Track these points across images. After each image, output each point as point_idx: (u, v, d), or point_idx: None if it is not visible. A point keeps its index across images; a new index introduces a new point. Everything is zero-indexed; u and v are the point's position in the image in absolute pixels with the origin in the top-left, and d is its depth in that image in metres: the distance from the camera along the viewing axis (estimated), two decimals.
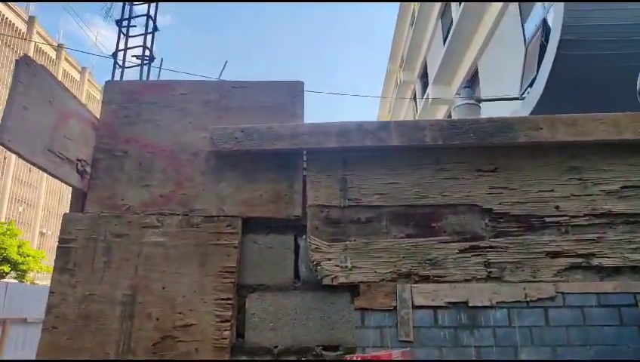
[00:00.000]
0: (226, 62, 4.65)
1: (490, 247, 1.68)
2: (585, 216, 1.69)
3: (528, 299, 6.08)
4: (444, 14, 11.45)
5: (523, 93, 5.56)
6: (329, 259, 1.66)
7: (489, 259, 1.67)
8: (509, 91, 6.38)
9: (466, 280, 1.68)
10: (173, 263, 1.60)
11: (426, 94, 12.32)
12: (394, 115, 17.66)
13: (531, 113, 4.86)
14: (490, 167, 1.76)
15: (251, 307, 1.61)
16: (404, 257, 1.70)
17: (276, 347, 1.58)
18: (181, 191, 1.70)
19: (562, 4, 4.51)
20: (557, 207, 1.70)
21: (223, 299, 1.55)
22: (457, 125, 1.76)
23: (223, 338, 1.52)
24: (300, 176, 1.78)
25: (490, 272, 1.66)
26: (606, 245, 1.66)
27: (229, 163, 1.74)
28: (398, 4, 14.83)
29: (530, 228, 1.70)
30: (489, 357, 5.85)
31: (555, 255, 1.66)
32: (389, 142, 1.76)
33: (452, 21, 9.81)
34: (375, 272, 1.67)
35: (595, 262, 1.65)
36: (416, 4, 13.15)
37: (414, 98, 15.24)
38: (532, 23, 6.84)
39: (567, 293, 5.75)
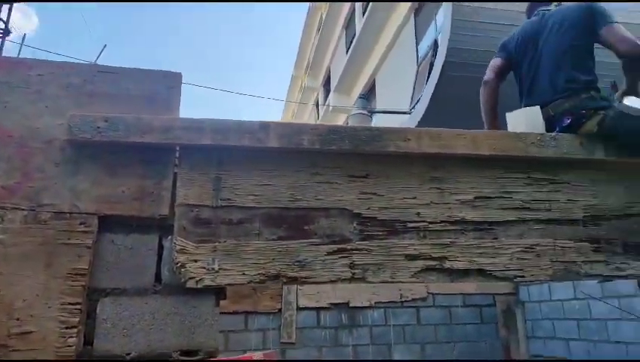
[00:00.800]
0: (105, 45, 4.32)
1: (356, 250, 1.74)
2: (441, 222, 1.82)
3: (403, 299, 6.48)
4: (349, 25, 11.86)
5: (412, 108, 5.94)
6: (195, 261, 1.60)
7: (354, 261, 1.73)
8: (402, 106, 6.75)
9: (332, 281, 1.72)
10: (12, 263, 1.43)
11: (327, 101, 12.63)
12: (297, 120, 17.87)
13: (416, 126, 5.20)
14: (362, 173, 1.83)
15: (103, 312, 1.50)
16: (274, 259, 1.69)
17: (129, 354, 1.48)
18: (28, 183, 1.53)
19: (449, 28, 4.90)
20: (418, 213, 1.82)
21: (70, 304, 1.42)
22: (335, 131, 1.80)
23: (68, 346, 1.39)
24: (171, 173, 1.70)
25: (355, 273, 1.72)
26: (457, 249, 1.80)
27: (88, 154, 1.61)
28: (307, 5, 15.04)
29: (393, 232, 1.79)
30: (365, 355, 6.08)
31: (413, 257, 1.77)
32: (267, 143, 1.75)
33: (355, 33, 10.18)
34: (243, 274, 1.64)
35: (447, 264, 1.78)
36: (324, 11, 13.44)
37: (317, 105, 15.56)
38: (425, 43, 7.34)
39: (437, 294, 6.25)
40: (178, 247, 1.60)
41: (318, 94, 15.57)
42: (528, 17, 2.43)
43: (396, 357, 5.74)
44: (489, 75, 2.27)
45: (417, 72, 7.01)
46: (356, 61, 9.76)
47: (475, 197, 1.88)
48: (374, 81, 9.39)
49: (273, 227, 1.73)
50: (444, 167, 1.88)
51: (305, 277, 1.72)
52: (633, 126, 1.88)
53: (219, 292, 1.63)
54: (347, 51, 10.65)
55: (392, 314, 5.86)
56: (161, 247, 1.65)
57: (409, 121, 5.54)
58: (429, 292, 6.02)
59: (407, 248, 1.79)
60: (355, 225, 1.77)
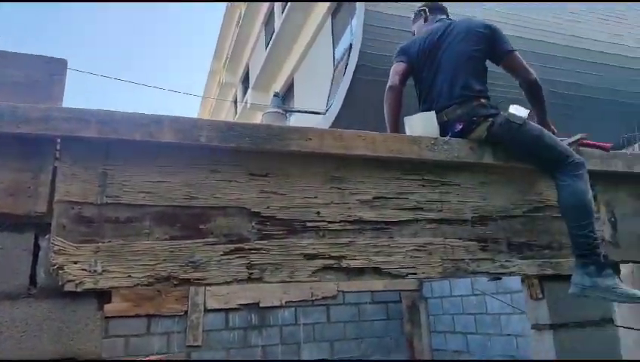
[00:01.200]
0: None
1: (254, 249, 1.71)
2: (340, 221, 1.85)
3: (314, 298, 6.52)
4: (269, 22, 11.77)
5: (327, 109, 6.02)
6: (75, 263, 1.48)
7: (252, 261, 1.70)
8: (320, 106, 6.81)
9: (227, 282, 1.67)
10: None
11: (245, 99, 12.45)
12: (214, 116, 17.43)
13: (330, 127, 5.29)
14: (262, 172, 1.80)
15: None
16: (165, 260, 1.61)
17: None
18: None
19: (361, 32, 5.03)
20: (318, 213, 1.83)
21: None
22: (235, 128, 1.76)
23: None
24: (50, 167, 1.55)
25: (252, 274, 1.69)
26: (355, 248, 1.84)
27: None
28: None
29: (292, 232, 1.78)
30: (274, 355, 6.04)
31: (312, 257, 1.77)
32: (161, 138, 1.66)
33: (274, 30, 10.12)
34: (129, 277, 1.54)
35: (344, 263, 1.80)
36: (244, 7, 13.22)
37: (235, 101, 15.28)
38: (342, 46, 7.48)
39: (347, 292, 6.36)
40: (56, 248, 1.47)
41: (236, 91, 15.30)
42: (415, 23, 2.55)
43: (305, 354, 5.78)
44: (394, 80, 2.31)
45: (334, 73, 7.12)
46: (275, 58, 9.71)
47: (374, 198, 1.92)
48: (293, 80, 9.41)
49: (166, 226, 1.64)
50: (345, 168, 1.91)
51: (198, 279, 1.65)
52: (516, 132, 2.04)
53: (101, 295, 1.52)
54: (266, 48, 10.58)
55: (302, 313, 5.89)
56: (37, 247, 1.50)
57: (323, 122, 5.62)
58: (338, 290, 6.14)
59: (306, 247, 1.79)
60: (253, 224, 1.74)
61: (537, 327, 2.15)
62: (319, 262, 1.80)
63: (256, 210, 1.75)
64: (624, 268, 3.63)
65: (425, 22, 2.48)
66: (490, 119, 2.08)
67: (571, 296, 1.90)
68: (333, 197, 1.87)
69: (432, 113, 2.13)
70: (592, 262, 1.87)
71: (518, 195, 2.13)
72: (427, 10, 2.48)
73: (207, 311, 5.45)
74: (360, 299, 6.31)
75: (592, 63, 5.88)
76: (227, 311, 5.59)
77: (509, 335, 5.34)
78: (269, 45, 9.95)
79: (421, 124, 2.10)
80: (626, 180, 2.33)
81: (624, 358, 2.30)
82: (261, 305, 5.76)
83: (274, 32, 10.04)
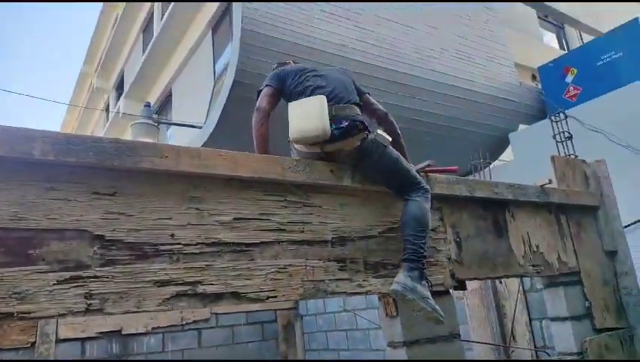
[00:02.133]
0: None
1: (95, 277, 1.54)
2: (197, 244, 1.76)
3: (184, 322, 6.18)
4: (148, 27, 11.17)
5: (203, 124, 5.84)
6: None
7: (91, 290, 1.53)
8: (199, 120, 6.57)
9: (61, 315, 1.48)
10: None
11: (117, 107, 11.60)
12: (82, 123, 15.96)
13: (205, 143, 5.13)
14: (109, 191, 1.65)
15: None
16: None
17: None
18: None
19: (238, 50, 4.99)
20: (172, 235, 1.71)
21: None
22: (75, 141, 1.58)
23: None
24: None
25: (90, 304, 1.52)
26: (213, 272, 1.76)
27: None
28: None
29: (142, 257, 1.64)
30: None
31: (163, 283, 1.65)
32: None
33: (153, 36, 9.62)
34: None
35: (200, 289, 1.71)
36: (121, 9, 12.39)
37: (107, 109, 14.16)
38: (222, 61, 7.35)
39: (221, 314, 6.14)
40: None
41: (109, 98, 14.18)
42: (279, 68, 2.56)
43: None
44: (263, 102, 2.32)
45: (214, 87, 6.97)
46: (152, 66, 9.19)
47: (234, 218, 1.87)
48: (171, 90, 9.00)
49: None
50: (205, 187, 1.83)
51: (24, 312, 1.44)
52: (382, 152, 2.15)
53: None
54: (143, 54, 10.00)
55: (170, 339, 5.54)
56: None
57: (199, 137, 5.43)
58: (212, 313, 5.91)
59: (157, 273, 1.66)
60: (95, 248, 1.57)
61: (392, 345, 2.25)
62: (171, 289, 1.68)
63: (99, 233, 1.59)
64: (473, 284, 4.03)
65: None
66: (366, 132, 2.17)
67: (392, 292, 2.02)
68: (191, 218, 1.77)
69: (323, 97, 2.12)
70: (417, 269, 2.05)
71: (374, 217, 2.23)
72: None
73: (59, 341, 4.85)
74: (234, 321, 6.13)
75: (450, 96, 6.56)
76: (84, 340, 5.04)
77: (377, 350, 5.58)
78: (146, 51, 9.41)
79: (308, 108, 2.10)
80: (469, 204, 2.58)
81: None
82: (123, 332, 5.29)
83: (152, 38, 9.55)
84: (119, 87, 13.47)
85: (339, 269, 2.07)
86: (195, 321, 5.71)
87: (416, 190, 2.19)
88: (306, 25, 5.37)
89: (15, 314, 1.42)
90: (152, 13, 10.50)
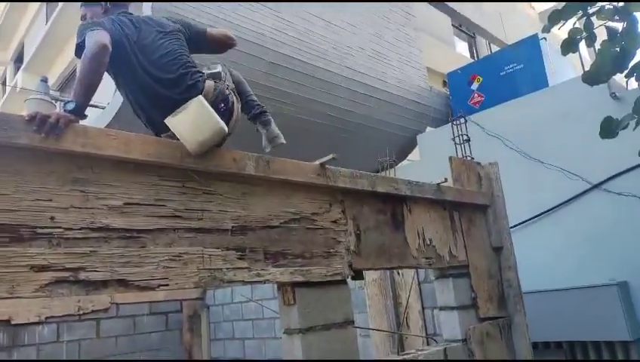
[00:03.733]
0: None
1: None
2: (81, 229, 1.65)
3: (81, 312, 5.80)
4: None
5: (108, 103, 5.49)
6: None
7: None
8: (106, 99, 6.13)
9: None
10: None
11: (14, 81, 10.54)
12: None
13: (109, 124, 4.83)
14: None
15: None
16: None
17: None
18: None
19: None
20: (52, 218, 1.59)
21: None
22: None
23: None
24: None
25: None
26: (98, 259, 1.66)
27: None
28: None
29: (17, 239, 1.51)
30: None
31: (41, 268, 1.53)
32: None
33: (58, 5, 8.84)
34: None
35: (82, 275, 1.61)
36: None
37: (4, 83, 12.81)
38: None
39: (122, 304, 5.84)
40: None
41: (6, 70, 12.84)
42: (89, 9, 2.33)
43: None
44: (107, 40, 1.89)
45: None
46: (56, 38, 8.46)
47: (125, 203, 1.78)
48: (76, 67, 8.34)
49: None
50: (92, 169, 1.72)
51: None
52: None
53: None
54: (46, 24, 9.15)
55: (66, 329, 5.18)
56: None
57: (103, 118, 5.10)
58: (112, 303, 5.59)
59: (35, 258, 1.54)
60: None
61: (288, 332, 2.28)
62: (50, 275, 1.57)
63: None
64: (373, 274, 4.20)
65: (104, 12, 2.30)
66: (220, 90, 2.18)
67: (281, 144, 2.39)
68: (74, 200, 1.66)
69: (201, 99, 1.99)
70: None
71: (276, 207, 2.23)
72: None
73: None
74: (136, 311, 5.86)
75: (364, 95, 6.75)
76: None
77: (280, 338, 5.63)
78: (49, 22, 8.63)
79: (193, 119, 1.93)
80: (370, 198, 2.68)
81: (366, 350, 2.62)
82: (13, 322, 4.84)
83: (56, 9, 8.78)
84: (18, 59, 12.25)
85: (238, 258, 2.05)
86: (93, 311, 5.36)
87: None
88: (224, 10, 5.24)
89: None
90: None
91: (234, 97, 2.24)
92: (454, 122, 4.99)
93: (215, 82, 2.16)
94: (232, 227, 2.07)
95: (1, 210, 1.50)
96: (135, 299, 5.72)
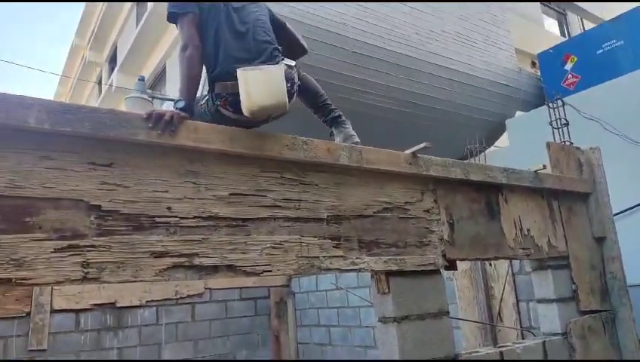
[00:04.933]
0: None
1: (92, 246, 1.56)
2: (194, 218, 1.77)
3: (178, 297, 6.26)
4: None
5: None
6: None
7: (88, 259, 1.54)
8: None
9: (58, 282, 1.49)
10: None
11: (110, 80, 11.45)
12: (74, 97, 15.77)
13: None
14: (105, 162, 1.65)
15: None
16: None
17: None
18: None
19: None
20: (169, 208, 1.72)
21: None
22: (72, 111, 1.57)
23: None
24: None
25: (88, 273, 1.53)
26: (209, 246, 1.77)
27: None
28: None
29: (139, 228, 1.66)
30: (132, 357, 5.65)
31: (160, 255, 1.67)
32: None
33: (147, 9, 9.45)
34: None
35: (196, 261, 1.73)
36: None
37: (100, 82, 13.98)
38: None
39: (215, 289, 6.22)
40: None
41: (101, 71, 14.00)
42: None
43: (166, 355, 5.51)
44: (196, 39, 2.02)
45: None
46: (145, 40, 9.07)
47: (231, 194, 1.88)
48: (165, 65, 8.90)
49: None
50: (201, 162, 1.84)
51: (22, 279, 1.45)
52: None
53: None
54: (137, 27, 9.83)
55: (164, 312, 5.61)
56: None
57: None
58: (206, 288, 5.97)
59: (154, 245, 1.68)
60: (92, 218, 1.58)
61: (383, 320, 2.29)
62: (168, 260, 1.70)
63: (96, 203, 1.59)
64: (463, 265, 4.09)
65: None
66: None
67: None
68: (187, 192, 1.78)
69: (282, 67, 2.01)
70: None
71: (369, 196, 2.25)
72: None
73: (54, 311, 4.90)
74: (228, 296, 6.20)
75: (448, 80, 6.53)
76: (78, 311, 5.09)
77: (367, 326, 5.67)
78: (140, 25, 9.26)
79: (264, 80, 1.93)
80: (463, 186, 2.61)
81: (456, 342, 2.57)
82: (118, 304, 5.34)
83: (146, 10, 9.38)
84: (112, 60, 13.29)
85: (333, 246, 2.10)
86: (189, 296, 5.76)
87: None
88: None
89: (13, 280, 1.43)
90: None
91: (296, 89, 2.28)
92: (550, 105, 4.67)
93: (288, 67, 2.19)
94: (327, 216, 2.11)
95: (124, 201, 1.65)
96: (226, 285, 6.06)
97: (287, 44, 2.46)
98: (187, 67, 1.99)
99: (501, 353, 2.51)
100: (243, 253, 1.85)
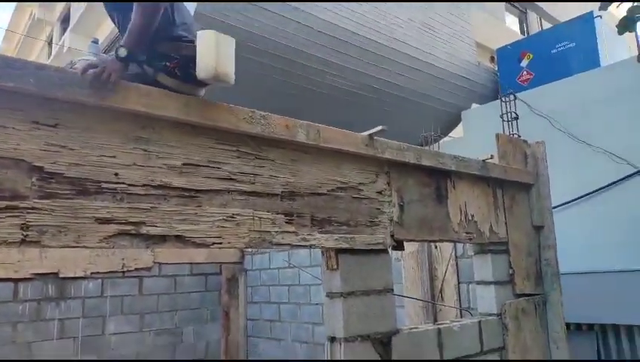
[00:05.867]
0: None
1: (33, 208, 1.50)
2: (143, 186, 1.73)
3: (125, 269, 6.10)
4: None
5: None
6: None
7: (28, 222, 1.48)
8: None
9: None
10: None
11: (62, 40, 10.84)
12: (20, 54, 14.82)
13: None
14: (51, 122, 1.58)
15: None
16: None
17: None
18: None
19: None
20: (116, 174, 1.68)
21: None
22: (16, 65, 1.49)
23: None
24: None
25: (27, 235, 1.48)
26: (158, 215, 1.74)
27: None
28: None
29: (83, 192, 1.61)
30: (74, 328, 5.50)
31: (105, 221, 1.63)
32: None
33: None
34: None
35: (143, 230, 1.70)
36: None
37: (50, 42, 13.20)
38: None
39: (165, 264, 6.11)
40: None
41: (52, 30, 13.20)
42: None
43: (111, 328, 5.41)
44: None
45: None
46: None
47: (184, 164, 1.85)
48: None
49: None
50: (153, 128, 1.79)
51: None
52: None
53: None
54: None
55: (110, 285, 5.48)
56: None
57: None
58: (155, 262, 5.86)
59: (99, 211, 1.63)
60: (34, 180, 1.52)
61: (330, 295, 2.35)
62: (114, 227, 1.66)
63: (38, 164, 1.53)
64: (411, 247, 4.23)
65: None
66: None
67: None
68: (137, 158, 1.74)
69: (232, 39, 1.88)
70: None
71: (324, 175, 2.27)
72: None
73: None
74: (178, 271, 6.13)
75: (411, 68, 6.63)
76: (17, 281, 4.89)
77: (316, 304, 5.78)
78: None
79: (228, 47, 1.83)
80: (415, 171, 2.68)
81: (399, 320, 2.68)
82: (61, 275, 5.16)
83: None
84: (65, 20, 12.55)
85: (286, 222, 2.11)
86: (136, 269, 5.65)
87: None
88: None
89: None
90: None
91: None
92: (503, 99, 4.85)
93: None
94: (282, 192, 2.12)
95: (69, 163, 1.59)
96: (176, 260, 5.98)
97: None
98: (147, 16, 1.81)
99: (439, 329, 2.64)
100: (193, 224, 1.83)
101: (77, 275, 5.24)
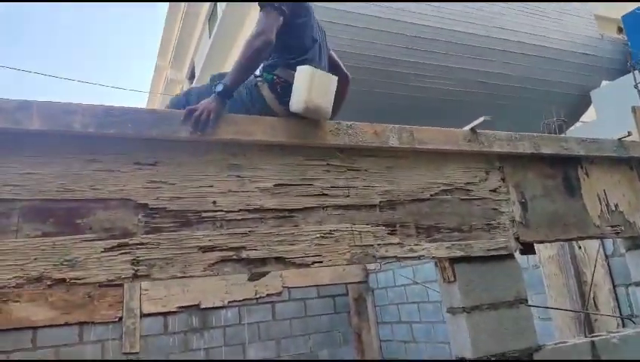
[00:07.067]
0: None
1: (141, 244, 1.59)
2: (239, 211, 1.76)
3: (258, 296, 6.39)
4: (212, 16, 11.51)
5: None
6: None
7: (138, 257, 1.58)
8: None
9: (110, 281, 1.54)
10: None
11: None
12: None
13: None
14: (150, 161, 1.68)
15: None
16: (35, 259, 1.47)
17: None
18: None
19: None
20: (214, 202, 1.73)
21: None
22: (114, 113, 1.63)
23: None
24: None
25: (138, 270, 1.57)
26: (256, 238, 1.75)
27: None
28: None
29: (185, 224, 1.67)
30: (218, 357, 5.83)
31: (208, 249, 1.67)
32: (28, 125, 1.52)
33: (217, 21, 9.88)
34: None
35: (244, 254, 1.72)
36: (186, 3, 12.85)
37: None
38: None
39: (292, 287, 6.27)
40: None
41: (182, 87, 14.88)
42: None
43: (251, 354, 5.66)
44: (273, 35, 1.92)
45: None
46: (219, 50, 9.48)
47: (275, 185, 1.84)
48: None
49: (37, 222, 1.50)
50: (244, 154, 1.82)
51: (75, 279, 1.52)
52: None
53: None
54: (210, 42, 10.33)
55: (246, 312, 5.76)
56: None
57: None
58: (284, 287, 6.05)
59: (201, 239, 1.69)
60: (140, 217, 1.62)
61: (452, 311, 2.14)
62: (216, 255, 1.70)
63: (143, 202, 1.63)
64: (549, 250, 3.75)
65: None
66: None
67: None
68: (231, 185, 1.77)
69: (334, 77, 1.98)
70: None
71: (425, 179, 2.10)
72: None
73: (143, 315, 5.23)
74: (306, 295, 6.24)
75: (519, 54, 6.07)
76: (165, 314, 5.39)
77: None
78: (212, 36, 9.69)
79: (329, 84, 1.93)
80: (534, 161, 2.37)
81: (549, 334, 2.33)
82: (202, 306, 5.58)
83: (216, 23, 9.80)
84: (191, 76, 14.06)
85: (388, 233, 1.99)
86: (268, 295, 5.88)
87: None
88: None
89: (67, 281, 1.50)
90: (216, 4, 10.75)
91: None
92: (636, 67, 4.15)
93: None
94: (380, 202, 2.01)
95: (170, 197, 1.68)
96: (303, 283, 6.10)
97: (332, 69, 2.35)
98: (250, 56, 1.87)
99: (592, 342, 2.24)
100: (291, 245, 1.81)
101: (216, 305, 5.62)
